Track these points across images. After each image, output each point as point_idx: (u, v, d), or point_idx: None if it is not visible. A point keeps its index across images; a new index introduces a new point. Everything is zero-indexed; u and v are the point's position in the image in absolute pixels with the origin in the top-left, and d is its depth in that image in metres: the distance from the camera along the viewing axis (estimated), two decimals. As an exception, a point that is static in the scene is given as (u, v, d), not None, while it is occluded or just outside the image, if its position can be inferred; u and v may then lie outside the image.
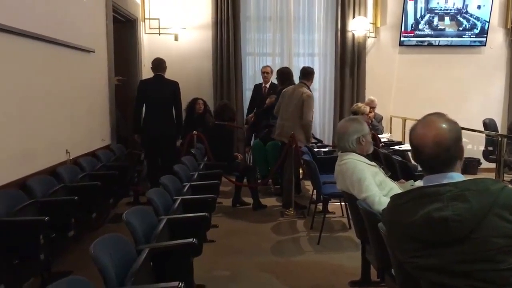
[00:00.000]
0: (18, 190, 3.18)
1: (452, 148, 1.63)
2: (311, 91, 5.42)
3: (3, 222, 2.71)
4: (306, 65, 7.39)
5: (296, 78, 5.78)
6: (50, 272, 3.19)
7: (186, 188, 3.69)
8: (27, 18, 3.52)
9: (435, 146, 1.62)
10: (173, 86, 5.53)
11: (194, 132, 5.63)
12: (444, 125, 1.64)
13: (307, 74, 5.49)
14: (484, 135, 6.56)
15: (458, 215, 1.49)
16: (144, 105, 5.58)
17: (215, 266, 3.74)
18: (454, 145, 1.63)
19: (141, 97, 5.57)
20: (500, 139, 5.04)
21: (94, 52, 4.96)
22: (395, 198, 1.73)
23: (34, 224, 2.75)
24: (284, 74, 5.89)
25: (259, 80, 7.13)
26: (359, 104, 6.13)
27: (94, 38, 5.04)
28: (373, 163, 3.20)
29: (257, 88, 6.96)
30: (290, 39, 7.55)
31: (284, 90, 5.50)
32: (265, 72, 6.81)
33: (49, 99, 3.96)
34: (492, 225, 1.46)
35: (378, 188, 2.94)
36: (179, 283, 1.79)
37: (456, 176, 1.62)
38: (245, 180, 5.62)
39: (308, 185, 6.34)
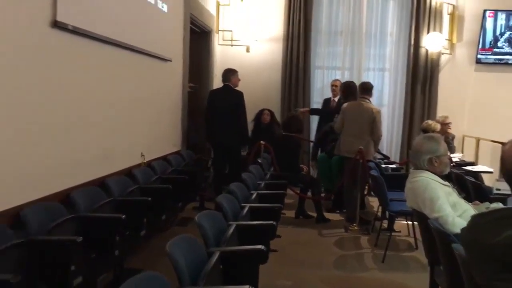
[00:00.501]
0: (97, 188, 3.38)
1: None
2: None
3: (84, 218, 2.89)
4: (376, 80, 7.40)
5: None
6: (123, 268, 3.34)
7: (254, 196, 3.75)
8: (116, 28, 3.77)
9: None
10: (238, 96, 5.70)
11: (262, 142, 5.70)
12: None
13: (368, 89, 5.51)
14: None
15: (544, 239, 1.42)
16: (212, 113, 5.78)
17: (278, 275, 3.76)
18: None
19: (210, 106, 5.80)
20: None
21: (171, 61, 5.19)
22: (476, 217, 1.69)
23: (112, 221, 2.91)
24: (351, 88, 5.83)
25: (327, 93, 7.13)
26: (429, 122, 5.98)
27: (171, 47, 5.27)
28: (446, 182, 3.10)
29: (326, 102, 6.95)
30: (360, 53, 7.50)
31: (344, 106, 5.47)
32: (334, 85, 6.78)
33: (129, 104, 4.19)
34: None
35: (452, 209, 2.85)
36: (249, 287, 1.82)
37: (544, 199, 1.56)
38: (309, 193, 5.62)
39: (372, 201, 6.23)
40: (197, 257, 2.17)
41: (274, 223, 2.95)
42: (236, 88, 5.89)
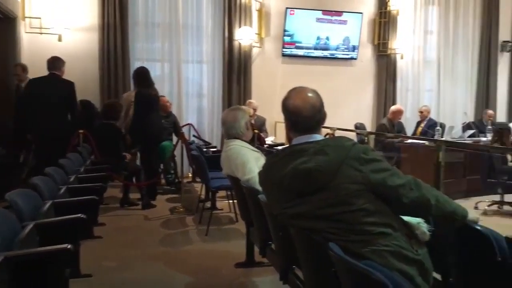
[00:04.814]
0: None
1: (322, 110, 1.94)
2: None
3: None
4: (195, 72, 7.76)
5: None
6: None
7: (72, 178, 3.65)
8: None
9: (312, 108, 1.91)
10: (69, 86, 5.40)
11: (80, 130, 5.49)
12: (312, 93, 1.96)
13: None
14: (355, 134, 7.26)
15: (319, 165, 1.75)
16: (35, 104, 5.30)
17: (103, 258, 3.73)
18: (322, 108, 1.95)
19: (32, 95, 5.31)
20: (367, 137, 5.69)
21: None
22: (269, 158, 1.98)
23: None
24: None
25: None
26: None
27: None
28: (256, 149, 3.48)
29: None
30: (179, 45, 7.69)
31: None
32: None
33: None
34: (346, 174, 1.74)
35: (261, 171, 3.21)
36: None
37: (319, 137, 1.92)
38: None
39: (197, 186, 6.51)
40: (11, 229, 2.08)
41: (97, 197, 2.93)
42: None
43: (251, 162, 3.18)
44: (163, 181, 6.63)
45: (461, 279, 2.12)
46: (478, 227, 1.92)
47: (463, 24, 9.09)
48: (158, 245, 4.19)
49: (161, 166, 6.40)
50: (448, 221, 1.92)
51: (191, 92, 7.97)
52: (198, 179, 6.78)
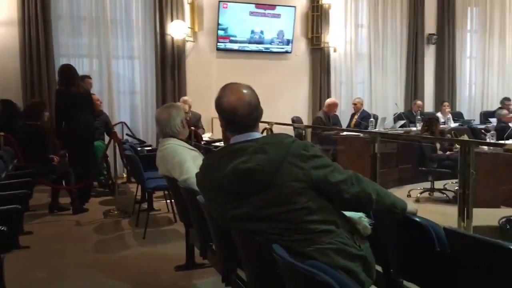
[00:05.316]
0: None
1: (258, 107, 1.84)
2: None
3: None
4: (126, 68, 7.46)
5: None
6: None
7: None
8: None
9: (248, 106, 1.80)
10: None
11: (1, 133, 5.09)
12: (247, 90, 1.85)
13: None
14: (292, 128, 7.27)
15: (259, 164, 1.67)
16: None
17: (31, 269, 3.48)
18: (259, 105, 1.85)
19: None
20: (305, 131, 5.73)
21: None
22: (207, 159, 1.87)
23: None
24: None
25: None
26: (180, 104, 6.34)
27: None
28: (193, 148, 3.35)
29: None
30: (107, 40, 7.36)
31: None
32: None
33: None
34: (287, 172, 1.67)
35: (199, 171, 3.09)
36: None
37: (257, 135, 1.83)
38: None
39: (132, 187, 6.26)
40: None
41: (19, 206, 2.68)
42: None
43: (188, 161, 3.06)
44: (95, 183, 6.33)
45: (401, 270, 2.14)
46: (417, 219, 1.94)
47: (391, 18, 9.40)
48: (91, 251, 3.97)
49: None
50: (388, 214, 1.91)
51: (122, 89, 7.67)
52: (133, 180, 6.53)
